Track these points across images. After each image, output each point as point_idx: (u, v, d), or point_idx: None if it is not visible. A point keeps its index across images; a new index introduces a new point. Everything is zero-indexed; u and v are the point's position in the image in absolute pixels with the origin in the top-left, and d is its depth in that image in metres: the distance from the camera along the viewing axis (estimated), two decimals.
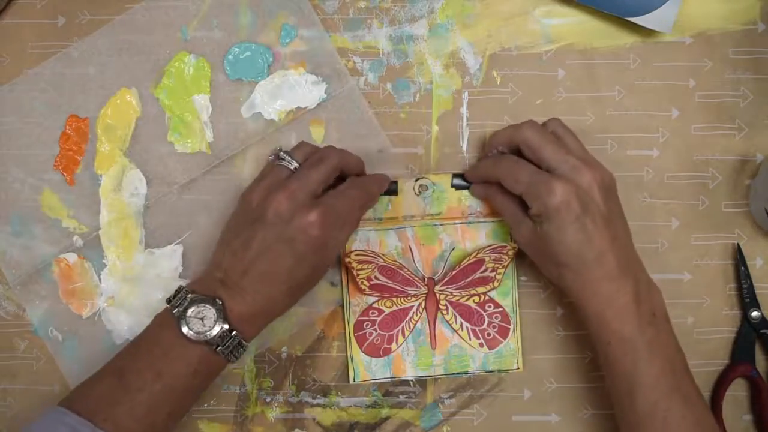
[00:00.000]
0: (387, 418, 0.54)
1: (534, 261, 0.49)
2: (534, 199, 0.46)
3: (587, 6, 0.53)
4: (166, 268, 0.53)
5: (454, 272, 0.52)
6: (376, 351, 0.53)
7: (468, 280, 0.52)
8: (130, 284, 0.53)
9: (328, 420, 0.54)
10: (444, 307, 0.53)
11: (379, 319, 0.53)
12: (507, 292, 0.53)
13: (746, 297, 0.53)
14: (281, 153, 0.49)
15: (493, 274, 0.52)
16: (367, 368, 0.53)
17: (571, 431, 0.53)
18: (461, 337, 0.53)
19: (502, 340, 0.53)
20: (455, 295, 0.53)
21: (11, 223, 0.54)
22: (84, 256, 0.54)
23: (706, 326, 0.53)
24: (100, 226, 0.53)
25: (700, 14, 0.54)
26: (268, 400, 0.54)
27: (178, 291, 0.46)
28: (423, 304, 0.53)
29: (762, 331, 0.52)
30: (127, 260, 0.53)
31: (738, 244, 0.53)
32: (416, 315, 0.53)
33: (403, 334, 0.53)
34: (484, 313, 0.53)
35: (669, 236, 0.54)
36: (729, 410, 0.52)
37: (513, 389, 0.53)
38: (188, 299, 0.45)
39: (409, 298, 0.53)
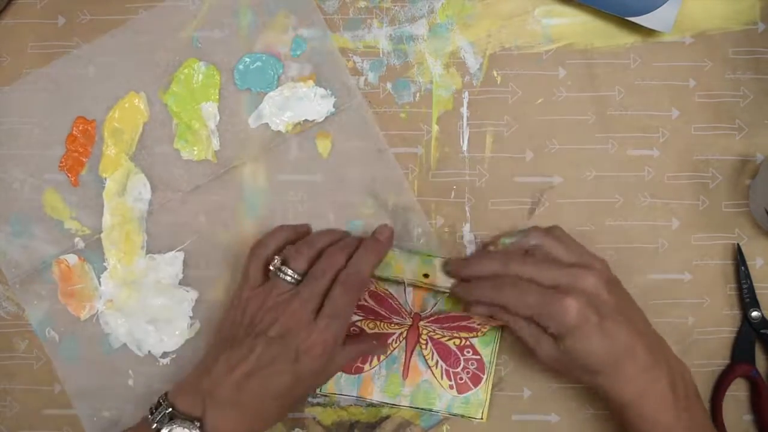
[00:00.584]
0: (387, 417, 0.54)
1: (561, 372, 0.48)
2: (549, 320, 0.45)
3: (587, 6, 0.53)
4: (166, 274, 0.53)
5: (441, 315, 0.53)
6: (348, 367, 0.53)
7: (454, 324, 0.53)
8: (129, 288, 0.53)
9: (328, 419, 0.53)
10: (424, 342, 0.53)
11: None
12: (489, 342, 0.53)
13: (746, 297, 0.53)
14: (281, 266, 0.47)
15: (479, 327, 0.52)
16: (335, 381, 0.53)
17: (571, 431, 0.53)
18: (434, 374, 0.53)
19: (472, 387, 0.52)
20: (437, 333, 0.53)
21: (11, 222, 0.54)
22: (84, 258, 0.54)
23: (706, 326, 0.53)
24: (102, 229, 0.53)
25: (700, 14, 0.54)
26: None
27: (159, 402, 0.45)
28: (404, 334, 0.53)
29: (762, 331, 0.52)
30: (128, 264, 0.53)
31: (738, 244, 0.53)
32: (395, 342, 0.53)
33: (378, 358, 0.53)
34: (461, 357, 0.53)
35: (669, 236, 0.54)
36: (729, 410, 0.52)
37: (513, 389, 0.53)
38: (167, 415, 0.44)
39: (393, 325, 0.53)
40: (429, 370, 0.53)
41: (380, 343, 0.52)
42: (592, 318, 0.45)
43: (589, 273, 0.46)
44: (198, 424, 0.44)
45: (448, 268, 0.51)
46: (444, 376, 0.53)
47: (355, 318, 0.53)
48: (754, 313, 0.52)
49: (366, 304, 0.53)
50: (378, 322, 0.53)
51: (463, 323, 0.53)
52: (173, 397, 0.45)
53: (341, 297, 0.46)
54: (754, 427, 0.53)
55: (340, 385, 0.53)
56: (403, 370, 0.53)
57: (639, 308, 0.48)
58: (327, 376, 0.48)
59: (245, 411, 0.45)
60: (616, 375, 0.45)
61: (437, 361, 0.53)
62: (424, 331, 0.53)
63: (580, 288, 0.45)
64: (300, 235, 0.50)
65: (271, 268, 0.47)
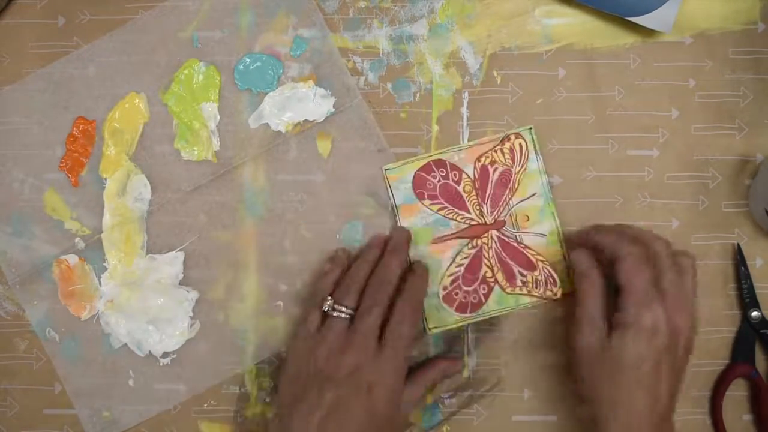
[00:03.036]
0: None
1: (579, 371, 0.47)
2: (631, 296, 0.45)
3: (587, 6, 0.53)
4: (166, 275, 0.53)
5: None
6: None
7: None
8: (129, 289, 0.53)
9: None
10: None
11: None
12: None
13: (746, 297, 0.53)
14: (333, 304, 0.48)
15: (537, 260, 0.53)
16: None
17: (571, 431, 0.53)
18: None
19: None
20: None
21: (12, 222, 0.54)
22: (85, 258, 0.54)
23: (706, 326, 0.53)
24: (102, 229, 0.53)
25: (700, 14, 0.54)
26: (268, 400, 0.54)
27: None
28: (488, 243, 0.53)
29: (762, 331, 0.52)
30: (128, 265, 0.53)
31: (738, 244, 0.53)
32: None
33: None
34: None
35: (669, 236, 0.53)
36: (729, 410, 0.53)
37: (513, 389, 0.53)
38: None
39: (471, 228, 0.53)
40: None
41: (452, 363, 0.52)
42: (662, 339, 0.44)
43: (688, 317, 0.45)
44: None
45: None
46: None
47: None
48: (754, 313, 0.52)
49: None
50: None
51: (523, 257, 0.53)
52: None
53: (399, 327, 0.47)
54: (754, 427, 0.53)
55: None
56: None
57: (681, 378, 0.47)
58: (399, 405, 0.47)
59: None
60: (624, 404, 0.44)
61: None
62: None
63: (677, 320, 0.45)
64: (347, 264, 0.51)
65: (325, 309, 0.48)
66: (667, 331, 0.44)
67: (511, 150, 0.53)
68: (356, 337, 0.46)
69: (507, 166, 0.53)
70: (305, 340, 0.48)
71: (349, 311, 0.48)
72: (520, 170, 0.53)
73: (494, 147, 0.53)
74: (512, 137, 0.53)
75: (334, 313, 0.48)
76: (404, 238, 0.52)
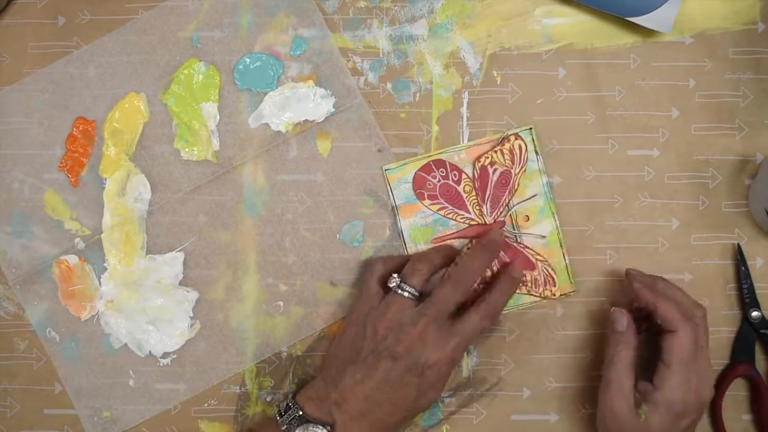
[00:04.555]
0: None
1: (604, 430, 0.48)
2: (667, 375, 0.46)
3: (587, 6, 0.53)
4: (166, 275, 0.53)
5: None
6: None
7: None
8: (129, 289, 0.53)
9: None
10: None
11: None
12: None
13: (746, 297, 0.53)
14: (400, 283, 0.48)
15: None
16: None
17: (570, 431, 0.53)
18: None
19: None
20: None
21: (12, 222, 0.54)
22: (85, 258, 0.54)
23: None
24: (102, 229, 0.54)
25: (700, 14, 0.54)
26: (268, 399, 0.54)
27: (289, 405, 0.47)
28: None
29: (762, 331, 0.52)
30: (128, 265, 0.53)
31: (738, 244, 0.53)
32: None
33: None
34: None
35: (669, 236, 0.54)
36: (729, 410, 0.53)
37: (512, 388, 0.54)
38: (298, 417, 0.46)
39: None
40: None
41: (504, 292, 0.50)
42: (690, 413, 0.46)
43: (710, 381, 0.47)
44: (328, 428, 0.46)
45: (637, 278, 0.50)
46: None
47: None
48: (754, 313, 0.52)
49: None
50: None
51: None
52: (301, 401, 0.47)
53: (477, 325, 0.48)
54: (753, 426, 0.53)
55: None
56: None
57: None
58: (447, 380, 0.49)
59: (373, 421, 0.47)
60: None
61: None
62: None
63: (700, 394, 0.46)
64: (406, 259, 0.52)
65: (391, 285, 0.49)
66: (697, 407, 0.46)
67: (511, 151, 0.53)
68: (423, 319, 0.46)
69: (506, 167, 0.53)
70: (367, 308, 0.49)
71: (415, 294, 0.48)
72: (519, 171, 0.53)
73: (494, 147, 0.53)
74: (512, 138, 0.53)
75: (399, 291, 0.48)
76: (501, 239, 0.52)
